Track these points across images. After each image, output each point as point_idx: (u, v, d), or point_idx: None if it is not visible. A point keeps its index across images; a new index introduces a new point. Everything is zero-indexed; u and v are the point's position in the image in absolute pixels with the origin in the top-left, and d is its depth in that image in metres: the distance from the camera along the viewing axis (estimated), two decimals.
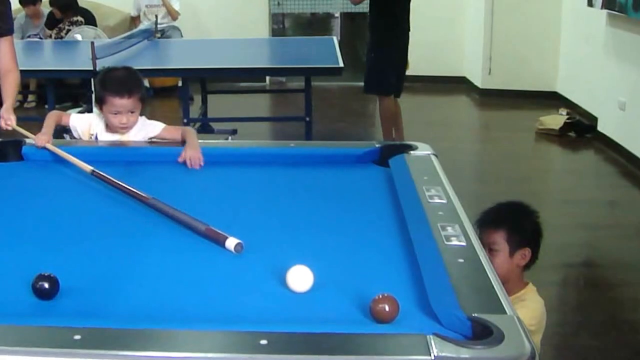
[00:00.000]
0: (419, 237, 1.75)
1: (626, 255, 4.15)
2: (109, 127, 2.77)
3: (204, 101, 6.38)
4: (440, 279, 1.50)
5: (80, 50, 5.72)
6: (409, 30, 5.61)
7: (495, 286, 1.47)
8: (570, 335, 3.26)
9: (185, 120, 5.26)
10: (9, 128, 2.85)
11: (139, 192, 2.08)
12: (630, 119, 5.81)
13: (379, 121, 5.87)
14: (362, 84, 5.66)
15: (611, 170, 5.77)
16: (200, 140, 2.71)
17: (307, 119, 5.25)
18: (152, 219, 1.98)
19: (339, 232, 1.90)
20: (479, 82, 8.24)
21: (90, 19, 7.79)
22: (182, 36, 7.97)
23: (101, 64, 4.79)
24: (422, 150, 2.45)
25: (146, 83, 7.59)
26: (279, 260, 1.68)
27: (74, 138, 2.83)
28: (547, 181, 5.78)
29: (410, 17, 5.60)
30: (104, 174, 2.23)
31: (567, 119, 6.59)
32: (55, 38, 7.68)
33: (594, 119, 6.56)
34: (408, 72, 8.78)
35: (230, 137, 5.13)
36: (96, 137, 2.78)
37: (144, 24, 7.47)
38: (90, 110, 5.71)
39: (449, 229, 1.74)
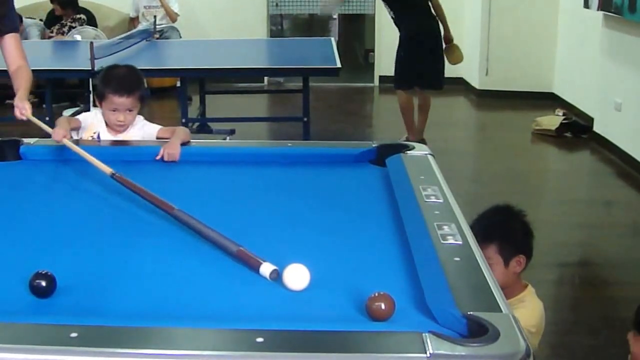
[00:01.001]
0: (415, 236, 1.75)
1: (621, 255, 4.17)
2: (109, 126, 2.80)
3: (202, 101, 6.39)
4: (436, 277, 1.50)
5: (79, 51, 5.72)
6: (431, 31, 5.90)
7: (490, 284, 1.47)
8: (565, 334, 3.27)
9: (183, 120, 5.27)
10: (24, 118, 2.76)
11: (164, 201, 1.95)
12: (626, 119, 5.83)
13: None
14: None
15: (607, 170, 5.79)
16: (198, 140, 2.73)
17: (305, 119, 5.26)
18: (148, 217, 1.98)
19: (335, 231, 1.91)
20: (476, 82, 8.25)
21: (91, 19, 7.80)
22: (180, 37, 7.97)
23: (100, 65, 4.80)
24: (419, 150, 2.46)
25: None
26: (275, 259, 1.68)
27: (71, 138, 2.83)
28: (544, 181, 5.79)
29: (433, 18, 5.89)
30: (125, 178, 2.12)
31: (564, 119, 6.60)
32: (57, 34, 7.67)
33: (590, 120, 6.57)
34: None
35: (228, 137, 5.14)
36: (98, 137, 2.80)
37: (142, 25, 7.47)
38: (87, 111, 5.73)
39: (445, 227, 1.74)
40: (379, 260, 1.71)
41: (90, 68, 4.83)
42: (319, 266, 1.58)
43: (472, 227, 2.35)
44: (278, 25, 10.52)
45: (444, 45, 5.99)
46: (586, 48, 6.81)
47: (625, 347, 2.59)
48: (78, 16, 7.73)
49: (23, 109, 2.77)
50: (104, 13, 8.27)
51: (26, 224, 1.97)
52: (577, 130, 6.54)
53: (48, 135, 2.80)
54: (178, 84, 6.02)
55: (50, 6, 7.88)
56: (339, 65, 5.07)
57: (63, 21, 7.77)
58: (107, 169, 2.20)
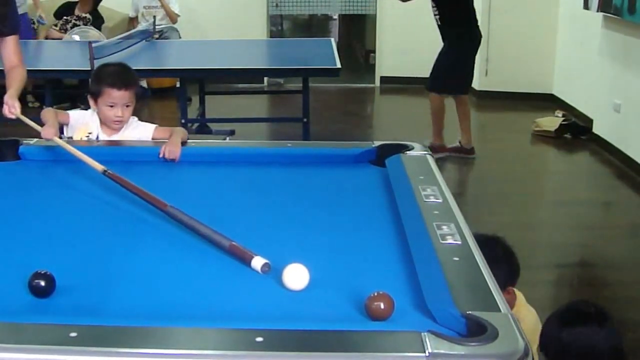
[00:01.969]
0: (415, 236, 1.76)
1: (620, 255, 4.17)
2: (104, 125, 2.79)
3: (202, 102, 6.39)
4: (435, 277, 1.50)
5: (78, 51, 5.72)
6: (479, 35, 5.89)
7: (489, 284, 1.48)
8: None
9: (183, 121, 5.27)
10: (13, 116, 2.73)
11: (157, 198, 1.95)
12: (625, 121, 5.83)
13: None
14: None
15: (606, 171, 5.79)
16: (197, 141, 2.73)
17: (305, 119, 5.26)
18: (147, 217, 1.99)
19: (335, 231, 1.91)
20: (476, 84, 8.23)
21: (96, 19, 7.81)
22: (180, 37, 7.97)
23: (99, 65, 4.80)
24: (418, 150, 2.46)
25: (144, 84, 7.62)
26: (275, 258, 1.69)
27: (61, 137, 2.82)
28: (543, 182, 5.79)
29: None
30: (117, 175, 2.11)
31: (563, 120, 6.60)
32: (60, 30, 7.67)
33: (589, 121, 6.58)
34: (406, 75, 8.84)
35: (228, 138, 5.14)
36: (97, 139, 2.79)
37: (142, 25, 7.47)
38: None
39: (444, 227, 1.75)
40: (379, 260, 1.72)
41: (89, 68, 4.83)
42: (318, 266, 1.58)
43: None
44: (278, 26, 10.52)
45: None
46: (586, 49, 6.82)
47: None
48: (84, 15, 7.74)
49: (12, 107, 2.74)
50: (103, 13, 8.26)
51: (25, 223, 1.97)
52: (577, 132, 6.54)
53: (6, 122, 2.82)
54: (177, 85, 6.02)
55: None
56: (339, 65, 5.07)
57: (68, 17, 7.78)
58: (99, 166, 2.19)
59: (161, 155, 2.48)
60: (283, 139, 5.53)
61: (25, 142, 2.58)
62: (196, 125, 5.83)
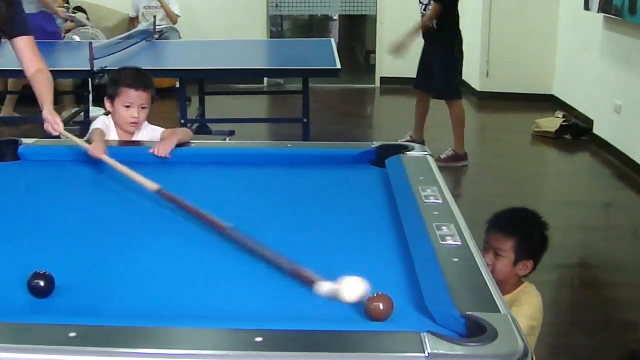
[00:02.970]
0: (415, 237, 1.76)
1: (620, 256, 4.18)
2: (120, 129, 2.80)
3: (202, 102, 6.39)
4: (435, 277, 1.50)
5: (78, 51, 5.72)
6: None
7: (489, 285, 1.48)
8: (564, 335, 3.28)
9: (182, 121, 5.27)
10: (56, 133, 2.63)
11: (215, 220, 1.84)
12: (625, 122, 5.83)
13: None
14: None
15: (606, 172, 5.79)
16: (197, 141, 2.73)
17: (305, 120, 5.26)
18: (147, 217, 1.99)
19: (335, 231, 1.91)
20: (477, 85, 8.25)
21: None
22: (180, 37, 7.98)
23: (99, 65, 4.81)
24: (418, 151, 2.46)
25: None
26: None
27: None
28: (543, 183, 5.80)
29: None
30: (173, 195, 2.00)
31: (564, 121, 6.61)
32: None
33: (590, 122, 6.58)
34: (407, 75, 8.83)
35: (228, 138, 5.14)
36: None
37: (142, 25, 7.47)
38: (87, 112, 5.74)
39: (444, 228, 1.75)
40: (379, 261, 1.71)
41: (89, 68, 4.83)
42: (317, 266, 1.58)
43: (496, 217, 2.38)
44: (278, 27, 10.53)
45: None
46: (586, 50, 6.82)
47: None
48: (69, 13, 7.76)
49: (55, 123, 2.62)
50: (103, 13, 8.27)
51: (24, 224, 1.97)
52: (577, 133, 6.54)
53: (47, 136, 2.78)
54: (177, 85, 6.02)
55: None
56: (339, 66, 5.07)
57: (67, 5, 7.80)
58: (153, 186, 2.09)
59: (151, 152, 2.49)
60: (283, 139, 5.53)
61: (25, 142, 2.58)
62: (196, 125, 5.83)
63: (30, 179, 2.39)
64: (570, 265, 4.09)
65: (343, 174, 2.43)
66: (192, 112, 6.31)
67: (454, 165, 5.68)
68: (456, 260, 1.59)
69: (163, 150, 2.49)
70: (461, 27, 5.93)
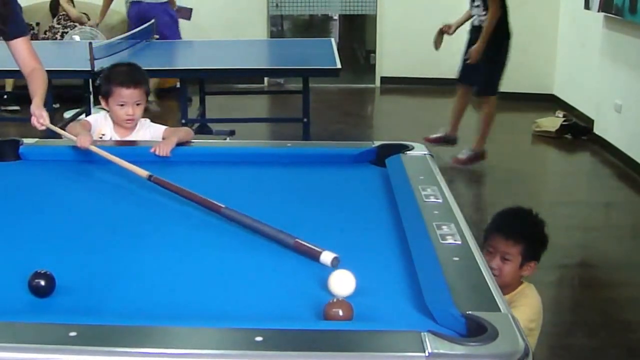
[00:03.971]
0: (415, 236, 1.76)
1: (621, 256, 4.18)
2: (117, 126, 2.80)
3: (202, 102, 6.40)
4: (435, 277, 1.51)
5: (77, 51, 5.72)
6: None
7: (489, 284, 1.48)
8: (565, 335, 3.28)
9: (183, 121, 5.28)
10: (42, 127, 2.65)
11: (210, 201, 1.89)
12: (626, 121, 5.83)
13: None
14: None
15: (607, 172, 5.79)
16: (198, 141, 2.73)
17: (305, 120, 5.27)
18: (147, 217, 1.99)
19: (335, 230, 1.91)
20: None
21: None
22: (180, 38, 7.97)
23: (99, 65, 4.80)
24: (418, 150, 2.46)
25: None
26: (274, 258, 1.69)
27: None
28: (544, 182, 5.79)
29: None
30: (164, 180, 2.05)
31: (564, 121, 6.61)
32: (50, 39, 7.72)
33: (590, 122, 6.58)
34: (407, 75, 8.84)
35: (228, 138, 5.14)
36: (111, 139, 2.80)
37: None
38: (88, 112, 5.73)
39: (445, 227, 1.75)
40: (379, 260, 1.71)
41: (90, 69, 4.83)
42: (317, 266, 1.59)
43: (500, 221, 2.39)
44: (278, 26, 10.53)
45: None
46: (587, 49, 6.82)
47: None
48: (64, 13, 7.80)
49: (40, 117, 2.65)
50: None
51: (25, 223, 1.97)
52: (577, 132, 6.55)
53: (49, 136, 2.78)
54: (178, 85, 6.03)
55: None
56: (339, 66, 5.07)
57: (52, 23, 7.83)
58: (144, 173, 2.14)
59: (152, 151, 2.50)
60: (283, 139, 5.54)
61: (25, 142, 2.59)
62: (196, 125, 5.84)
63: (31, 178, 2.39)
64: (571, 265, 4.09)
65: (343, 173, 2.44)
66: (193, 111, 6.31)
67: (474, 165, 5.64)
68: (456, 259, 1.59)
69: (163, 150, 2.49)
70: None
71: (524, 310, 2.26)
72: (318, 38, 8.22)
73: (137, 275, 1.64)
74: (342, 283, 1.50)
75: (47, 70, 2.93)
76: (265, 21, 9.03)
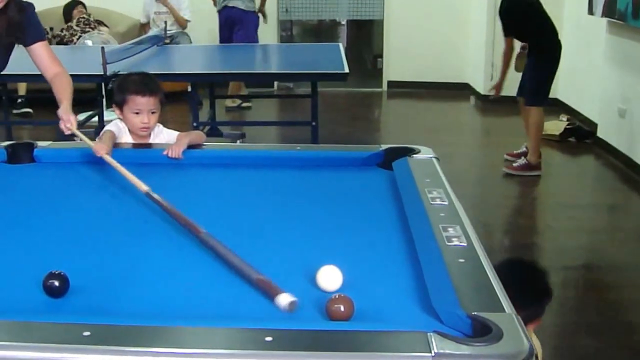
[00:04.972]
0: (421, 238, 1.78)
1: (625, 259, 4.18)
2: (133, 134, 2.82)
3: (212, 106, 6.43)
4: (441, 278, 1.52)
5: (90, 55, 5.76)
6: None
7: (494, 285, 1.49)
8: (570, 336, 3.29)
9: (194, 124, 5.31)
10: (69, 132, 2.70)
11: (193, 223, 1.87)
12: (629, 125, 5.84)
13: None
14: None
15: (610, 175, 5.80)
16: (208, 144, 2.76)
17: (314, 123, 5.28)
18: (160, 219, 2.01)
19: (343, 232, 1.94)
20: (481, 88, 8.27)
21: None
22: (191, 42, 8.01)
23: (111, 69, 4.84)
24: (425, 153, 2.48)
25: None
26: (284, 259, 1.72)
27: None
28: (548, 185, 5.80)
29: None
30: (159, 197, 2.04)
31: (568, 124, 6.62)
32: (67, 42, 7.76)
33: (593, 125, 6.59)
34: (413, 79, 8.85)
35: (239, 141, 5.17)
36: None
37: (153, 31, 7.51)
38: (100, 115, 5.77)
39: (450, 229, 1.76)
40: (386, 261, 1.73)
41: (102, 73, 4.87)
42: None
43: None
44: (288, 31, 10.54)
45: None
46: (590, 54, 6.82)
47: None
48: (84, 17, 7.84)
49: (68, 121, 2.70)
50: (114, 19, 8.31)
51: (40, 225, 1.99)
52: (581, 136, 6.56)
53: (62, 139, 2.80)
54: (189, 89, 6.06)
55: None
56: (347, 70, 5.09)
57: (71, 23, 7.86)
58: (143, 187, 2.13)
59: (164, 153, 2.53)
60: (292, 142, 5.56)
61: (40, 145, 2.61)
62: (207, 128, 5.86)
63: (45, 180, 2.42)
64: (575, 267, 4.10)
65: (351, 176, 2.46)
66: (203, 115, 6.34)
67: (526, 175, 5.58)
68: (462, 260, 1.60)
69: (175, 152, 2.52)
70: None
71: None
72: (326, 43, 8.24)
73: (150, 276, 1.65)
74: (328, 278, 1.53)
75: None
76: (275, 26, 9.06)
